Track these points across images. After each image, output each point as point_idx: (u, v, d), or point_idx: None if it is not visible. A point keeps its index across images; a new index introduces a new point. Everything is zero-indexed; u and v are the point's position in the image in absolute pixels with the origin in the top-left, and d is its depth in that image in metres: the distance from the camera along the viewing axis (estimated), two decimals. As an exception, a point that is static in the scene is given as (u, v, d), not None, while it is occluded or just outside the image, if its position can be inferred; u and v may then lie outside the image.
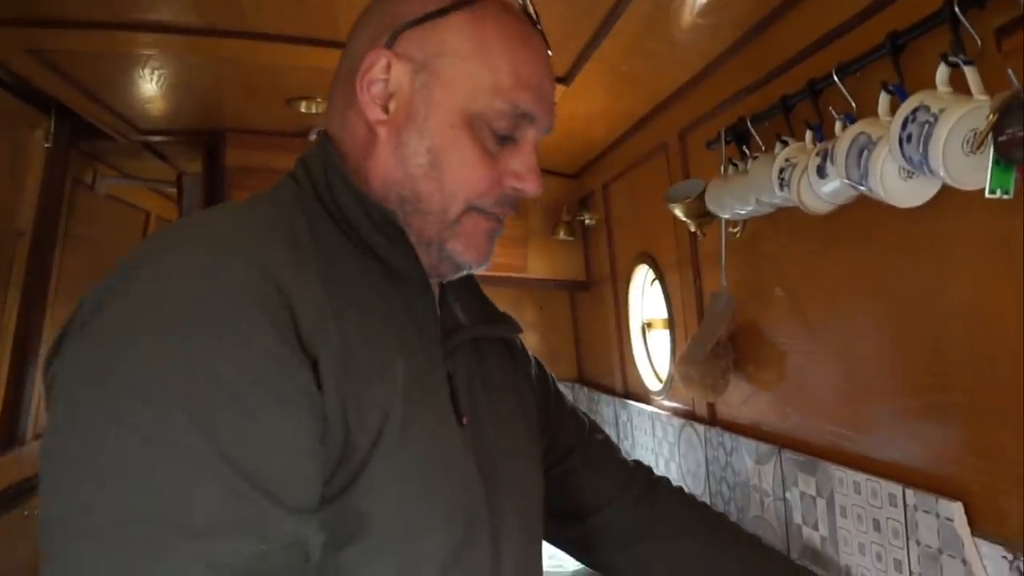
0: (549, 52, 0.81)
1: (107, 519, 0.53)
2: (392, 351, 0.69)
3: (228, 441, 0.55)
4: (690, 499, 1.13)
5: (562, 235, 2.37)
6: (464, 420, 0.77)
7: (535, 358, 1.09)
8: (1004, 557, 0.86)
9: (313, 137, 0.82)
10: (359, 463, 0.64)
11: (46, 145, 1.96)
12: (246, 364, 0.58)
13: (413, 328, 0.74)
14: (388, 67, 0.74)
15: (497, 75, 0.74)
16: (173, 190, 2.43)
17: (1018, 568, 0.85)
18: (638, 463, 1.15)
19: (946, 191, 0.87)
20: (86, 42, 1.46)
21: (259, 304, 0.59)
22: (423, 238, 0.76)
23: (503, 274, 2.30)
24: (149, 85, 1.72)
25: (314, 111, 1.84)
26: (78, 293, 0.65)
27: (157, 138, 2.10)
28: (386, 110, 0.75)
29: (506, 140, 0.77)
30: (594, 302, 2.51)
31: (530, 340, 2.73)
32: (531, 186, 0.78)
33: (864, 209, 1.02)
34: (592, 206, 2.35)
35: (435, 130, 0.74)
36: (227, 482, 0.55)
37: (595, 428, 1.14)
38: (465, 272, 0.82)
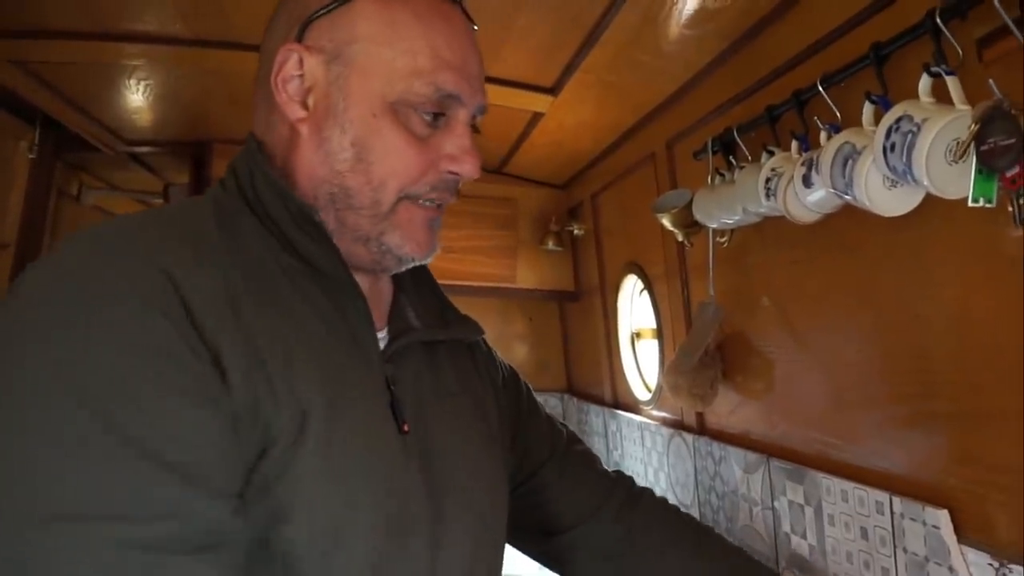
0: (474, 27, 0.79)
1: (18, 520, 0.52)
2: (313, 352, 0.68)
3: (134, 430, 0.55)
4: (674, 510, 1.12)
5: (551, 245, 2.37)
6: (405, 427, 0.74)
7: (507, 365, 1.06)
8: (990, 564, 0.87)
9: None
10: (285, 457, 0.63)
11: (30, 156, 1.95)
12: (138, 356, 0.57)
13: (345, 331, 0.72)
14: (300, 62, 0.72)
15: (414, 57, 0.71)
16: (160, 201, 2.42)
17: (1004, 575, 0.85)
18: (620, 474, 1.12)
19: (930, 200, 0.88)
20: (71, 53, 1.46)
21: (147, 297, 0.59)
22: (360, 234, 0.75)
23: (492, 284, 2.30)
24: (135, 96, 1.71)
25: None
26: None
27: (143, 149, 2.09)
28: (305, 106, 0.73)
29: (436, 122, 0.74)
30: (583, 312, 2.51)
31: (519, 351, 2.73)
32: (468, 167, 0.75)
33: (849, 218, 1.03)
34: (581, 216, 2.36)
35: (356, 121, 0.72)
36: (139, 469, 0.55)
37: (573, 439, 1.10)
38: (410, 265, 0.79)
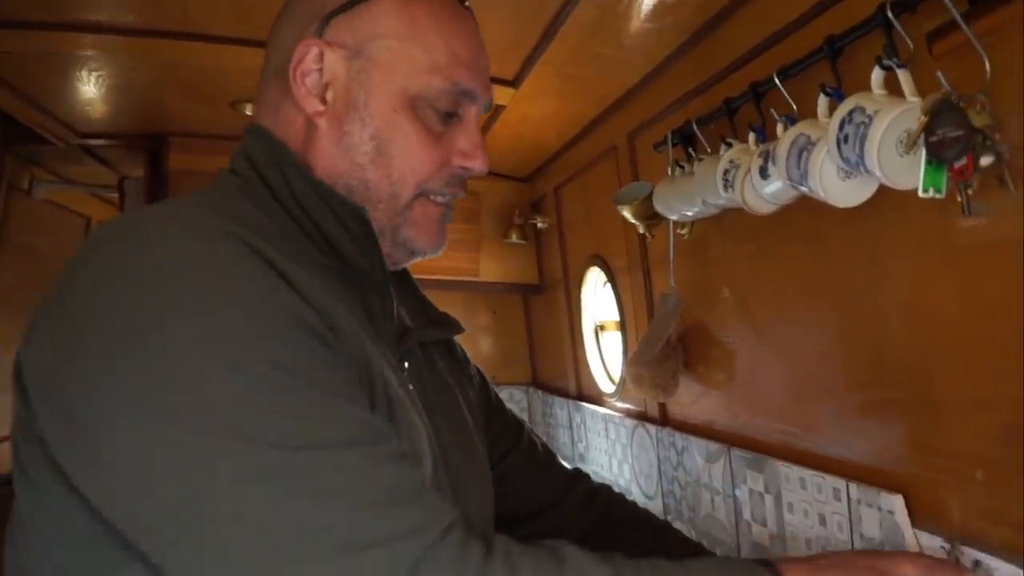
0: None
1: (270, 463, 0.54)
2: (364, 349, 0.68)
3: (312, 372, 0.59)
4: (632, 505, 1.12)
5: (514, 239, 2.37)
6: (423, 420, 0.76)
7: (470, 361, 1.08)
8: (942, 547, 0.89)
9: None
10: None
11: (-22, 150, 1.90)
12: (288, 322, 0.59)
13: (371, 329, 0.73)
14: (320, 56, 0.73)
15: (433, 54, 0.73)
16: (115, 195, 2.36)
17: (956, 557, 0.87)
18: (578, 470, 1.14)
19: (883, 191, 0.89)
20: (20, 42, 1.42)
21: (270, 273, 0.61)
22: (376, 227, 0.75)
23: (456, 278, 2.29)
24: (88, 87, 1.67)
25: (261, 114, 1.81)
26: (16, 302, 0.65)
27: (97, 142, 2.04)
28: (323, 100, 0.74)
29: (449, 119, 0.76)
30: (547, 305, 2.52)
31: (483, 344, 2.73)
32: (478, 163, 0.77)
33: (806, 210, 1.04)
34: (544, 209, 2.36)
35: (377, 115, 0.73)
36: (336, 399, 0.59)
37: (532, 433, 1.12)
38: (419, 259, 0.81)
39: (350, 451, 0.56)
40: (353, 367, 0.64)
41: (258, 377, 0.56)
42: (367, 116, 0.73)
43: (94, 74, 1.60)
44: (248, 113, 1.81)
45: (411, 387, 0.77)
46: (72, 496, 0.59)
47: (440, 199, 0.78)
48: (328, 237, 0.73)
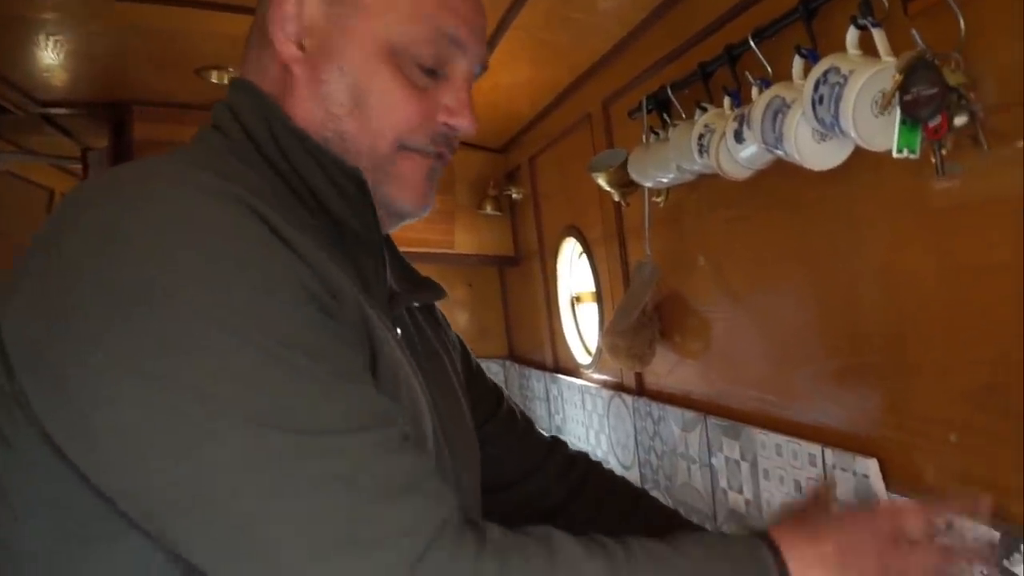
0: None
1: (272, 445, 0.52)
2: (365, 314, 0.66)
3: (315, 349, 0.56)
4: (609, 473, 1.13)
5: (489, 210, 2.34)
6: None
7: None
8: (915, 510, 0.89)
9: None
10: None
11: (-68, 119, 1.83)
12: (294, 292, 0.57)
13: (365, 294, 0.71)
14: (300, 1, 0.70)
15: (418, 1, 0.70)
16: (78, 167, 2.30)
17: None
18: (555, 438, 1.13)
19: (859, 153, 0.88)
20: (-28, 5, 1.36)
21: (274, 238, 0.58)
22: None
23: (430, 250, 2.27)
24: (46, 53, 1.61)
25: (226, 81, 1.77)
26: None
27: (58, 110, 1.98)
28: (302, 47, 0.70)
29: (436, 74, 0.72)
30: (523, 277, 2.51)
31: (460, 318, 2.71)
32: (465, 122, 0.73)
33: (782, 175, 1.03)
34: (519, 180, 2.34)
35: (356, 63, 0.70)
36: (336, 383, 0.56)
37: (511, 401, 1.12)
38: (406, 220, 0.78)
39: (355, 438, 0.55)
40: (356, 336, 0.62)
41: (265, 352, 0.53)
42: (345, 64, 0.70)
43: (52, 38, 1.54)
44: (214, 81, 1.77)
45: (408, 352, 0.75)
46: (62, 464, 0.56)
47: (425, 155, 0.74)
48: (318, 196, 0.70)
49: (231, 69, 1.72)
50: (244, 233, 0.57)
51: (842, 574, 0.62)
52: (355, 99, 0.70)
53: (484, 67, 0.77)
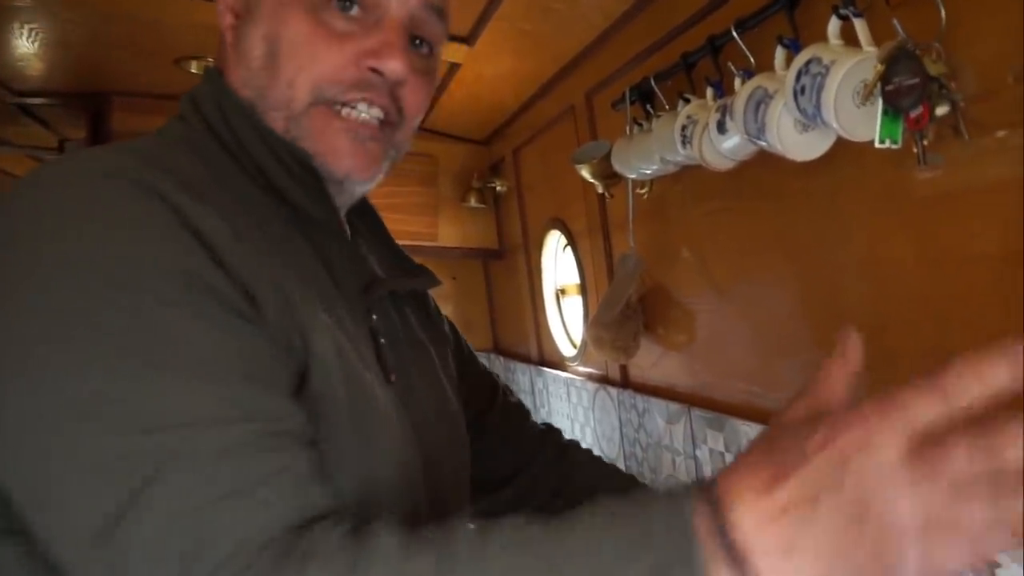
0: None
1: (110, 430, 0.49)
2: (310, 299, 0.63)
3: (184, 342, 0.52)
4: (599, 460, 1.13)
5: (473, 202, 2.33)
6: (392, 377, 0.72)
7: (445, 316, 1.05)
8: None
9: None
10: (311, 407, 0.59)
11: (-94, 109, 1.80)
12: (178, 281, 0.53)
13: (328, 280, 0.69)
14: None
15: None
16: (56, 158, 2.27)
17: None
18: (549, 426, 1.13)
19: (841, 144, 0.88)
20: (-56, -8, 1.34)
21: (173, 224, 0.55)
22: None
23: (414, 243, 2.25)
24: (22, 42, 1.58)
25: (206, 72, 1.75)
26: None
27: (35, 101, 1.95)
28: (236, 15, 0.70)
29: (350, 10, 0.68)
30: (507, 270, 2.50)
31: (444, 311, 2.66)
32: (392, 62, 0.66)
33: (765, 166, 1.03)
34: (503, 172, 2.33)
35: (267, 14, 0.67)
36: (209, 376, 0.52)
37: (508, 391, 1.11)
38: (355, 190, 0.75)
39: (203, 434, 0.50)
40: (271, 342, 0.57)
41: (122, 347, 0.50)
42: (259, 16, 0.68)
43: (29, 28, 1.51)
44: (193, 71, 1.74)
45: (382, 340, 0.73)
46: None
47: (349, 112, 0.68)
48: (271, 178, 0.68)
49: (210, 60, 1.70)
50: (126, 216, 0.55)
51: (809, 533, 0.40)
52: (269, 50, 0.67)
53: (431, 15, 0.71)
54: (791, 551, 0.40)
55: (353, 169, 0.70)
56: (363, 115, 0.69)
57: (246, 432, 0.51)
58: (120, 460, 0.48)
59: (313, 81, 0.67)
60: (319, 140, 0.68)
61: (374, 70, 0.67)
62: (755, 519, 0.41)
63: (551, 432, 1.12)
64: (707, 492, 0.43)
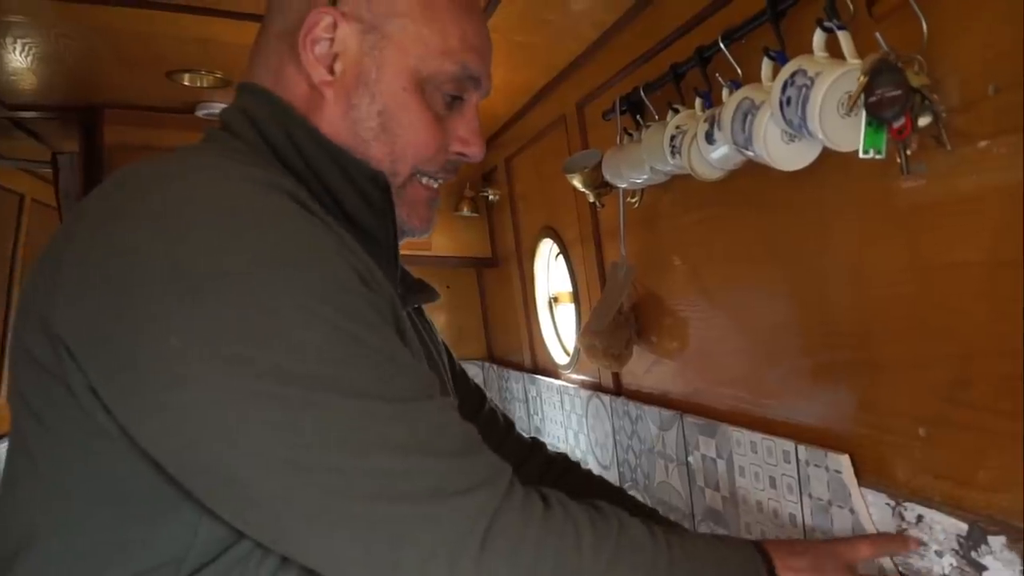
0: None
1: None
2: (397, 308, 0.70)
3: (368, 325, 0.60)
4: (586, 472, 1.14)
5: (466, 211, 2.35)
6: None
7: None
8: (887, 504, 0.90)
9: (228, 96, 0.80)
10: None
11: (-100, 124, 1.80)
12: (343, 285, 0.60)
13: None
14: (333, 26, 0.73)
15: (447, 39, 0.75)
16: (48, 171, 2.27)
17: (900, 513, 0.89)
18: (535, 439, 1.15)
19: (827, 155, 0.89)
20: (-63, 8, 1.34)
21: (327, 228, 0.62)
22: None
23: (407, 252, 2.24)
24: (15, 56, 1.59)
25: (199, 84, 1.75)
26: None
27: (27, 114, 1.95)
28: (331, 71, 0.74)
29: (452, 104, 0.77)
30: (501, 279, 2.51)
31: (438, 319, 2.70)
32: (476, 150, 0.80)
33: (753, 176, 1.04)
34: (495, 181, 2.34)
35: (387, 92, 0.74)
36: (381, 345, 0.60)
37: (492, 402, 1.14)
38: (406, 238, 0.83)
39: (427, 403, 0.59)
40: (394, 321, 0.66)
41: (336, 329, 0.57)
42: (377, 92, 0.74)
43: (21, 42, 1.52)
44: (186, 84, 1.75)
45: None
46: (124, 450, 0.58)
47: (431, 182, 0.80)
48: (338, 200, 0.73)
49: (203, 72, 1.71)
50: (299, 222, 0.60)
51: None
52: (383, 125, 0.74)
53: (487, 94, 0.83)
54: None
55: (426, 229, 0.83)
56: (437, 184, 0.82)
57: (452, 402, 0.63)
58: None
59: (417, 161, 0.77)
60: (411, 210, 0.79)
61: (461, 154, 0.80)
62: (785, 567, 0.76)
63: (537, 445, 1.13)
64: (755, 543, 0.77)
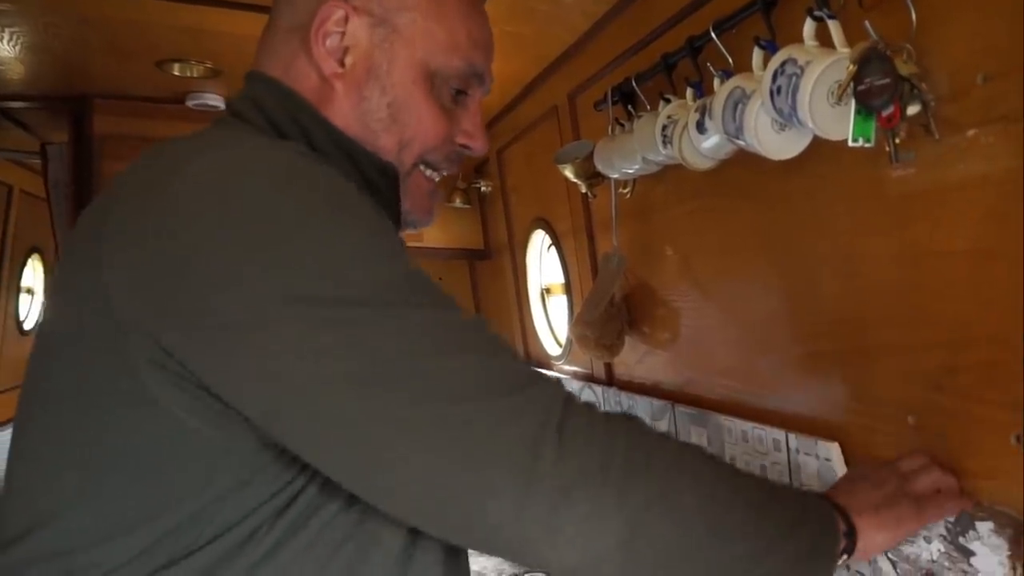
0: None
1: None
2: None
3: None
4: None
5: (458, 203, 2.34)
6: None
7: None
8: (875, 492, 0.91)
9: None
10: None
11: None
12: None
13: None
14: (345, 20, 0.75)
15: (455, 35, 0.77)
16: (37, 161, 2.25)
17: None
18: None
19: (817, 144, 0.90)
20: (-77, -4, 1.33)
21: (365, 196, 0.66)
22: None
23: (399, 244, 2.25)
24: (3, 46, 1.58)
25: (189, 75, 1.74)
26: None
27: (16, 104, 1.94)
28: (341, 63, 0.75)
29: (458, 98, 0.79)
30: (493, 271, 2.51)
31: (431, 311, 2.70)
32: (480, 143, 0.82)
33: (744, 165, 1.05)
34: (487, 173, 2.34)
35: (397, 85, 0.76)
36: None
37: None
38: (409, 230, 0.84)
39: (492, 331, 0.63)
40: None
41: (392, 256, 0.61)
42: (387, 84, 0.76)
43: (9, 31, 1.51)
44: (176, 74, 1.74)
45: None
46: (226, 419, 0.59)
47: (433, 174, 0.82)
48: None
49: (194, 62, 1.70)
50: (337, 177, 0.64)
51: (880, 510, 0.76)
52: (393, 116, 0.76)
53: (488, 92, 0.85)
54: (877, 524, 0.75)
55: (427, 220, 0.85)
56: (438, 176, 0.83)
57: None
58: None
59: (423, 149, 0.79)
60: (413, 200, 0.81)
61: (464, 146, 0.82)
62: (854, 509, 0.74)
63: None
64: (829, 499, 0.76)
